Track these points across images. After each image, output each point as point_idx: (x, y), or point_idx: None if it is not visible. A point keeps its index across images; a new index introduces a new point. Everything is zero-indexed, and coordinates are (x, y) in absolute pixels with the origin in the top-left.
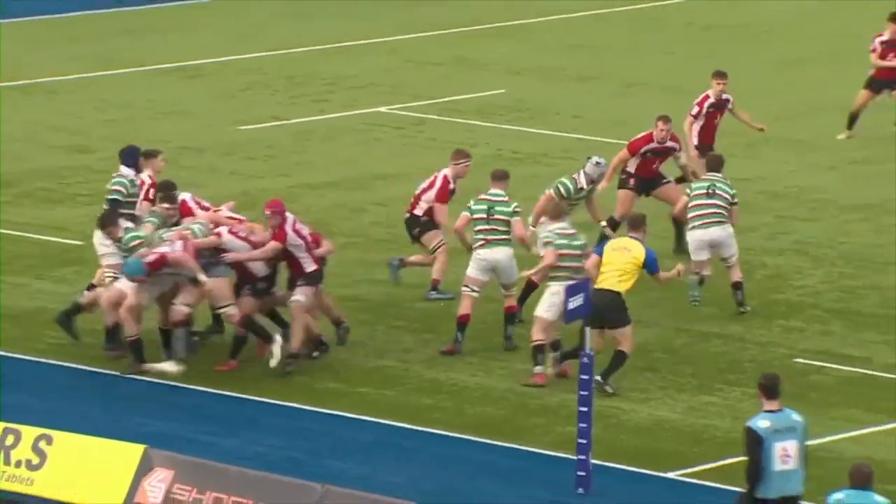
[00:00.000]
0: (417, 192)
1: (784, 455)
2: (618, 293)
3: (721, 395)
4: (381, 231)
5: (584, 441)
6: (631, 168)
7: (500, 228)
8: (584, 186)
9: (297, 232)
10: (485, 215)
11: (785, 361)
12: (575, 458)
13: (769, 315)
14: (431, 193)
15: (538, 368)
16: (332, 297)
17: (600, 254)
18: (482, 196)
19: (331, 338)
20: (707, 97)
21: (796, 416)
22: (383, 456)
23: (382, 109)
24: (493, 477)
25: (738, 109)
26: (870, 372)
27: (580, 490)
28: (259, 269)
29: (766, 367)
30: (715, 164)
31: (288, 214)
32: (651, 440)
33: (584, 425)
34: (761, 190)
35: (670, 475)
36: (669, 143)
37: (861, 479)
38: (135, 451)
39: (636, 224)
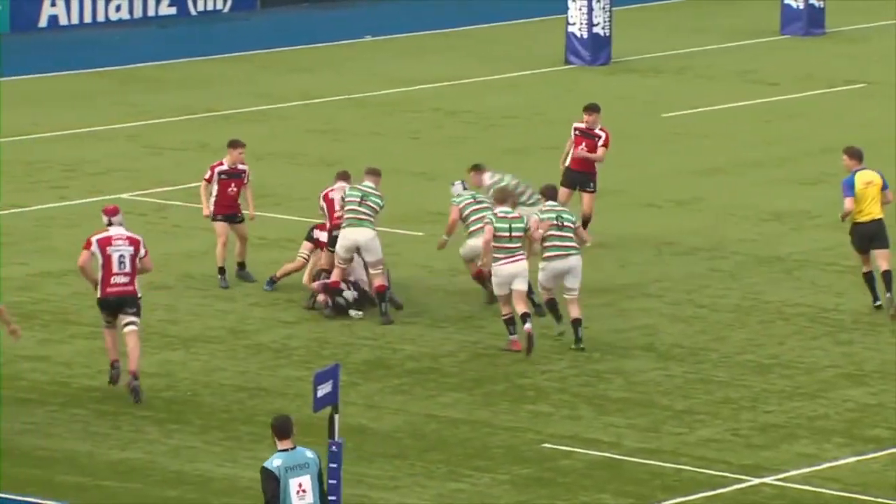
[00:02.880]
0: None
1: (300, 491)
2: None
3: (470, 482)
4: None
5: None
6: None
7: (366, 212)
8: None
9: None
10: (358, 200)
11: (533, 446)
12: None
13: (517, 399)
14: None
15: (513, 336)
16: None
17: None
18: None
19: None
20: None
21: (309, 454)
22: None
23: (125, 196)
24: None
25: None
26: (617, 456)
27: None
28: None
29: (515, 451)
30: (551, 194)
31: None
32: None
33: None
34: None
35: None
36: None
37: None
38: None
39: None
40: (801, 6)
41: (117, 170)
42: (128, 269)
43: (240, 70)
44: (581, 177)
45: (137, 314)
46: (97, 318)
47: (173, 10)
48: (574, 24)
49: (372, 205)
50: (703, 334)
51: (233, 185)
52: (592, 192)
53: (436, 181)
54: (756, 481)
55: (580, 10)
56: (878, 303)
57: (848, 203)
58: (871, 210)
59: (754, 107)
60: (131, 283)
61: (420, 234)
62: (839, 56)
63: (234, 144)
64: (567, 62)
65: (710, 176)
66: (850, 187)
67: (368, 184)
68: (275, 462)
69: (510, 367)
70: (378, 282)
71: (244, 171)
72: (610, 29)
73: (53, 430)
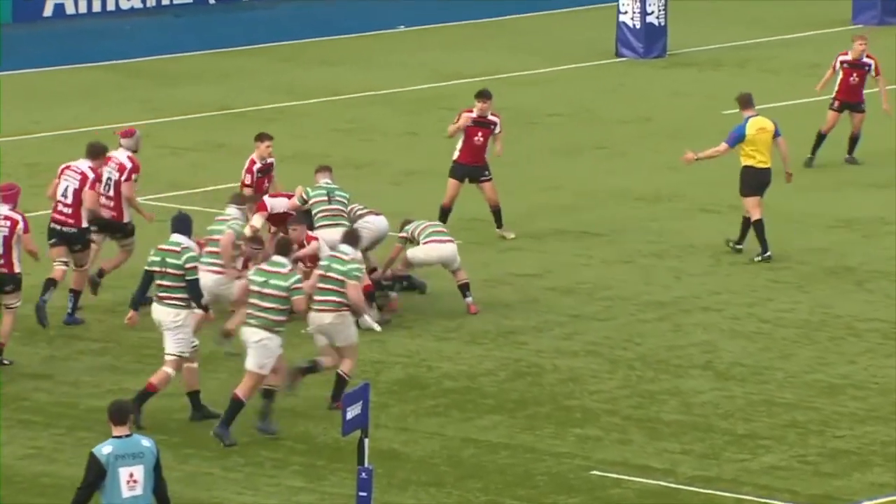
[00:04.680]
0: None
1: (131, 481)
2: None
3: None
4: None
5: None
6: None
7: (338, 209)
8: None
9: None
10: (326, 199)
11: (581, 474)
12: None
13: (563, 423)
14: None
15: (469, 300)
16: None
17: None
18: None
19: None
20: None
21: (146, 442)
22: None
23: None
24: None
25: None
26: (671, 485)
27: None
28: None
29: (560, 479)
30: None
31: None
32: None
33: None
34: (551, 286)
35: None
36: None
37: None
38: None
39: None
40: None
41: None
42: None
43: (259, 63)
44: (473, 169)
45: (14, 293)
46: (106, 332)
47: None
48: (626, 13)
49: (341, 200)
50: (766, 352)
51: (266, 181)
52: (489, 179)
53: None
54: None
55: None
56: (740, 246)
57: (721, 147)
58: (765, 157)
59: (821, 103)
60: (6, 263)
61: (459, 242)
62: None
63: (261, 137)
64: (618, 55)
65: (773, 179)
66: (739, 135)
67: (327, 180)
68: (104, 449)
69: (555, 388)
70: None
71: (272, 165)
72: (665, 19)
73: (59, 455)
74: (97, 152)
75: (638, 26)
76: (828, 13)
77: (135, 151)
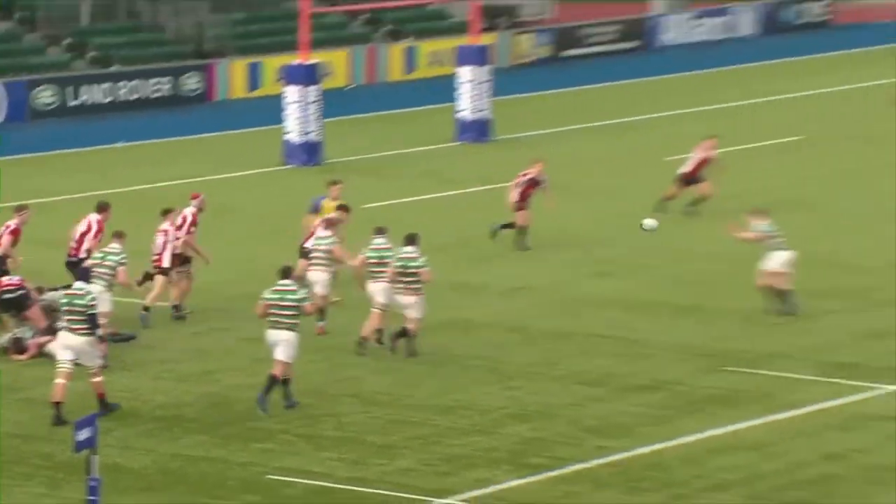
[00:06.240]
0: (77, 236)
1: None
2: None
3: None
4: None
5: None
6: None
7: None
8: None
9: None
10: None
11: (261, 478)
12: None
13: (248, 439)
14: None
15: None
16: None
17: None
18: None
19: None
20: None
21: None
22: None
23: None
24: None
25: None
26: (330, 484)
27: None
28: None
29: (245, 482)
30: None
31: None
32: None
33: None
34: (244, 337)
35: None
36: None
37: None
38: None
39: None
40: (472, 119)
41: None
42: None
43: None
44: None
45: None
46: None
47: None
48: (290, 132)
49: (110, 263)
50: (399, 382)
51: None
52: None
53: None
54: (441, 501)
55: (296, 119)
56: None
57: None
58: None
59: (438, 200)
60: None
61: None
62: (505, 159)
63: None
64: (285, 163)
65: None
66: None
67: (115, 246)
68: None
69: (242, 414)
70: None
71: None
72: (322, 136)
73: None
74: None
75: (300, 142)
76: (437, 133)
77: None
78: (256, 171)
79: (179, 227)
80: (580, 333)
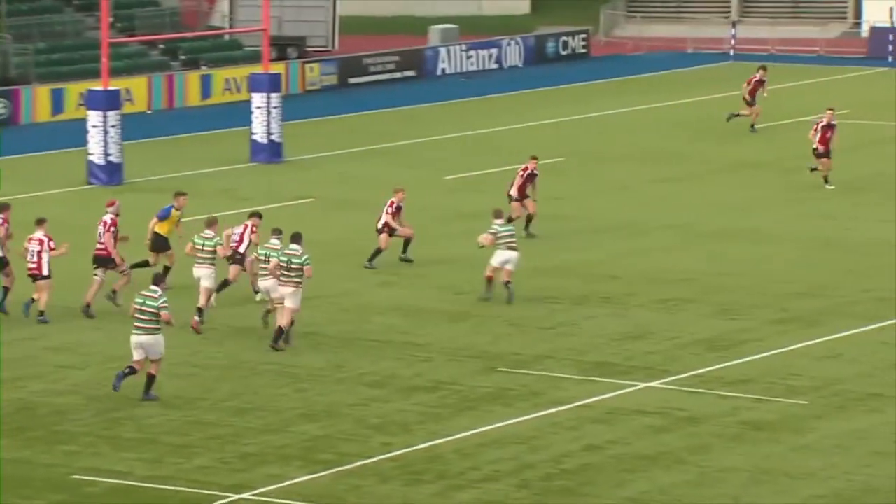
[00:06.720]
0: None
1: None
2: None
3: None
4: None
5: None
6: None
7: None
8: None
9: None
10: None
11: (66, 478)
12: None
13: (53, 442)
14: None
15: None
16: None
17: None
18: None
19: None
20: None
21: None
22: None
23: None
24: None
25: None
26: (130, 482)
27: None
28: None
29: (51, 482)
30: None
31: None
32: None
33: None
34: (47, 346)
35: None
36: None
37: None
38: None
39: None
40: (265, 141)
41: None
42: None
43: None
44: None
45: None
46: None
47: None
48: (93, 154)
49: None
50: (198, 386)
51: None
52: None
53: None
54: (236, 497)
55: (98, 142)
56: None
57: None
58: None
59: (232, 216)
60: None
61: None
62: (295, 178)
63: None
64: (89, 182)
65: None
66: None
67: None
68: None
69: (45, 419)
70: None
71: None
72: (122, 157)
73: None
74: None
75: (103, 163)
76: (233, 154)
77: None
78: (62, 189)
79: (108, 230)
80: (365, 339)
